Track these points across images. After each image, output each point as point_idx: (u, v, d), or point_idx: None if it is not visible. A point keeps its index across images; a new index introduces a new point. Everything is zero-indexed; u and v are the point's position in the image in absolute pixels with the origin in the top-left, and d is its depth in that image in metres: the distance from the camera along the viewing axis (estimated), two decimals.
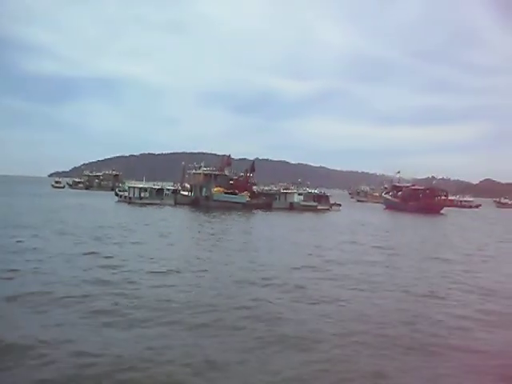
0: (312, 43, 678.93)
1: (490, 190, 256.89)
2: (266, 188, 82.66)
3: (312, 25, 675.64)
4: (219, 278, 17.65)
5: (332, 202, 78.85)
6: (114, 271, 17.67)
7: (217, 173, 72.58)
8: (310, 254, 24.89)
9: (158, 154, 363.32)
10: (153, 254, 22.02)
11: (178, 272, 18.28)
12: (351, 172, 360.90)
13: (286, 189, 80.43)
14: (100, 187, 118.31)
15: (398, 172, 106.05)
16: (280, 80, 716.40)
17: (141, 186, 71.25)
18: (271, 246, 28.20)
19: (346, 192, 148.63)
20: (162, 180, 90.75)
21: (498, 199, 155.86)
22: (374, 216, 68.52)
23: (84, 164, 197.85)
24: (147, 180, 79.66)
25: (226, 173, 74.11)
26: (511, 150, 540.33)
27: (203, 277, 17.72)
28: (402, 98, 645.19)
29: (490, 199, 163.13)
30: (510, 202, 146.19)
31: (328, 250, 27.16)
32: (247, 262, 21.52)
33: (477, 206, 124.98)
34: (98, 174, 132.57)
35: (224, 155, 78.92)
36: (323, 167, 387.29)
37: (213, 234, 33.36)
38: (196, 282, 16.85)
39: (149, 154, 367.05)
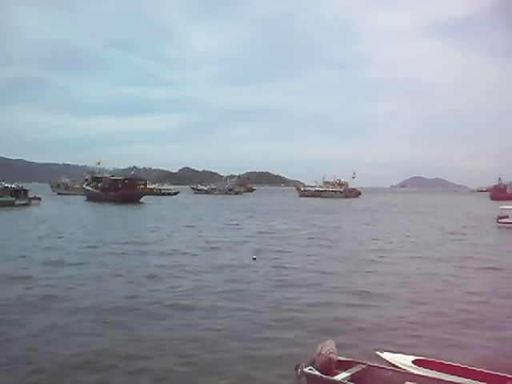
0: (4, 26, 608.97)
1: (188, 177, 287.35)
2: None
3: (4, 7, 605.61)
4: None
5: (31, 196, 77.76)
6: None
7: None
8: None
9: None
10: None
11: None
12: (53, 164, 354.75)
13: None
14: None
15: (98, 163, 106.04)
16: None
17: None
18: None
19: (47, 185, 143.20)
20: None
21: (195, 186, 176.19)
22: (69, 208, 69.72)
23: None
24: None
25: None
26: (206, 141, 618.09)
27: None
28: (104, 89, 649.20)
29: (188, 186, 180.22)
30: (205, 188, 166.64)
31: None
32: None
33: (175, 193, 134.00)
34: None
35: None
36: (22, 160, 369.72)
37: None
38: None
39: None
